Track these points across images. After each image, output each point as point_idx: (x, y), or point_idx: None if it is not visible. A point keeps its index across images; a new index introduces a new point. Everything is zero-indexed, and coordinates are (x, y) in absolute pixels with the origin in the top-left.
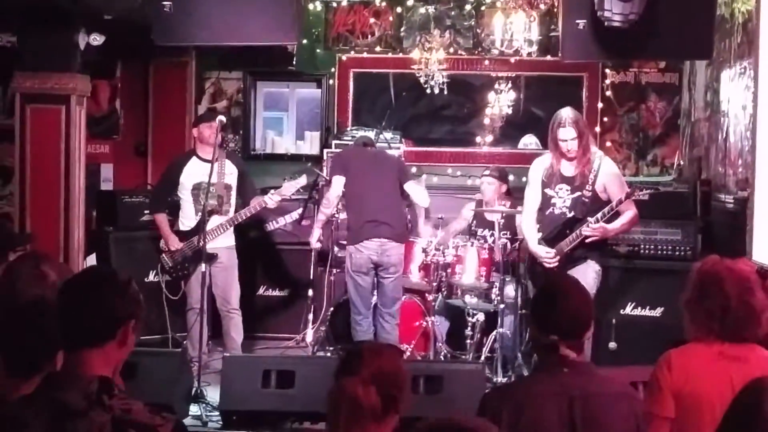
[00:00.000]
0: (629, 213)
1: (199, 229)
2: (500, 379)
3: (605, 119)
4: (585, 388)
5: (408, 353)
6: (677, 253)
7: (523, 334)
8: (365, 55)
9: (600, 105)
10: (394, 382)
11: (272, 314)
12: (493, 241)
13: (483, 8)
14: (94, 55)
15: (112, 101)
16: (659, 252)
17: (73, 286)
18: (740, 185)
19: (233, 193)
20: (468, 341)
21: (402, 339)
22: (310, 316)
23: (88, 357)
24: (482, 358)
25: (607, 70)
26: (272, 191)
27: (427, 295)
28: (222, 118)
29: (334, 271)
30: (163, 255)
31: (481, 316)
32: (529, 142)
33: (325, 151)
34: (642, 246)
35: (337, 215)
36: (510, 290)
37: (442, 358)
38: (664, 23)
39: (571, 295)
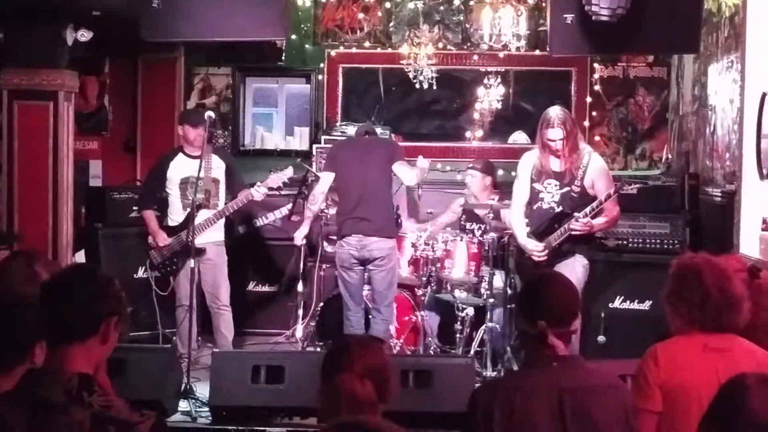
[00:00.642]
0: (612, 211)
1: (187, 223)
2: (490, 373)
3: (594, 113)
4: (574, 382)
5: (398, 348)
6: (665, 246)
7: (513, 329)
8: (354, 50)
9: (588, 99)
10: (384, 374)
11: (262, 310)
12: (481, 235)
13: (471, 3)
14: (83, 51)
15: (100, 97)
16: (647, 245)
17: (56, 282)
18: (728, 179)
19: (221, 187)
20: (457, 335)
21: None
22: (300, 312)
23: (70, 353)
24: (472, 352)
25: (596, 65)
26: (258, 183)
27: (416, 289)
28: (210, 113)
29: (324, 266)
30: (152, 251)
31: (470, 311)
32: (518, 138)
33: (315, 146)
34: (630, 240)
35: (326, 211)
36: (499, 285)
37: (432, 353)
38: (651, 17)
39: (557, 281)
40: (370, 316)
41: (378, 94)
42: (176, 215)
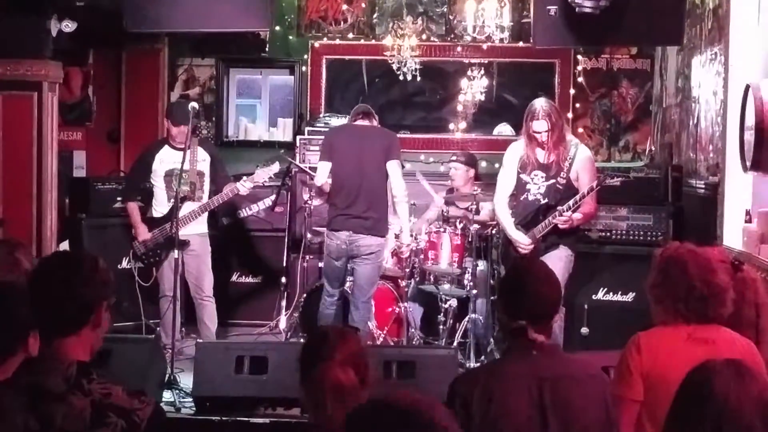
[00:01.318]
0: (589, 206)
1: (172, 215)
2: (473, 364)
3: (577, 105)
4: (555, 371)
5: (381, 339)
6: (649, 238)
7: (495, 320)
8: (338, 41)
9: (572, 91)
10: (363, 360)
11: (245, 301)
12: (464, 227)
13: None
14: (67, 41)
15: (84, 88)
16: (631, 237)
17: (43, 276)
18: (711, 170)
19: (206, 179)
20: (441, 327)
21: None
22: (284, 303)
23: (65, 344)
24: (455, 343)
25: (579, 57)
26: (244, 178)
27: (400, 281)
28: (194, 105)
29: (308, 257)
30: (135, 242)
31: (453, 302)
32: (503, 130)
33: (298, 138)
34: (613, 231)
35: (309, 202)
36: (482, 276)
37: (415, 344)
38: (635, 9)
39: (539, 279)
40: (350, 314)
41: (361, 85)
42: (161, 206)
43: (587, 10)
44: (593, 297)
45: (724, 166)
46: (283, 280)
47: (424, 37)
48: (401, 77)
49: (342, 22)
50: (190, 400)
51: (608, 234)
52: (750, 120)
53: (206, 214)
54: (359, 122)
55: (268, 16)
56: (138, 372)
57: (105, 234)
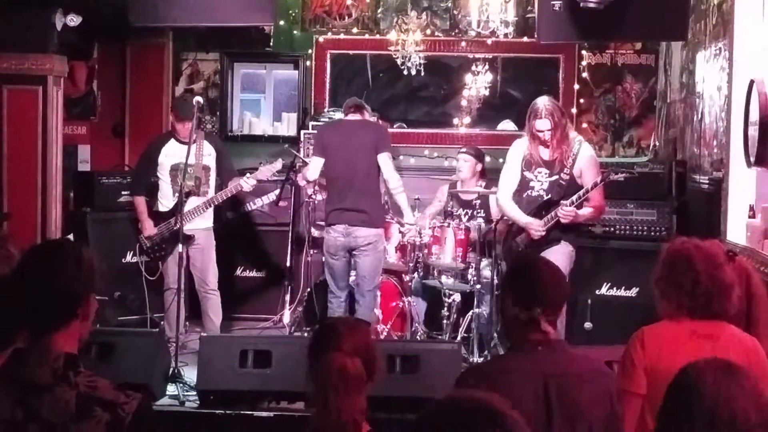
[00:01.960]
0: (598, 201)
1: (177, 210)
2: (476, 358)
3: (581, 100)
4: (560, 367)
5: (385, 333)
6: (652, 233)
7: (499, 314)
8: (342, 36)
9: (576, 86)
10: (371, 352)
11: (250, 295)
12: (468, 221)
13: None
14: (72, 36)
15: (89, 82)
16: (634, 232)
17: (28, 271)
18: (715, 166)
19: (212, 174)
20: (444, 321)
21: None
22: (287, 297)
23: (54, 336)
24: (458, 338)
25: (584, 52)
26: (248, 174)
27: (403, 275)
28: (199, 99)
29: (311, 252)
30: (141, 236)
31: (457, 297)
32: (506, 127)
33: (302, 132)
34: (617, 226)
35: (314, 196)
36: (486, 271)
37: (419, 338)
38: (639, 5)
39: (546, 268)
40: (356, 303)
41: (366, 80)
42: (166, 201)
43: (591, 5)
44: (597, 292)
45: (728, 161)
46: (287, 274)
47: (428, 31)
48: (405, 72)
49: (346, 17)
50: (194, 393)
51: (612, 229)
52: (754, 115)
53: (212, 208)
54: (351, 116)
55: (273, 10)
56: (142, 365)
57: (109, 228)
